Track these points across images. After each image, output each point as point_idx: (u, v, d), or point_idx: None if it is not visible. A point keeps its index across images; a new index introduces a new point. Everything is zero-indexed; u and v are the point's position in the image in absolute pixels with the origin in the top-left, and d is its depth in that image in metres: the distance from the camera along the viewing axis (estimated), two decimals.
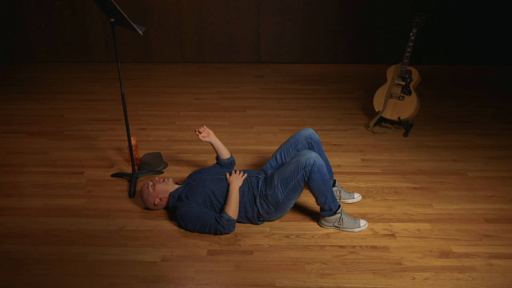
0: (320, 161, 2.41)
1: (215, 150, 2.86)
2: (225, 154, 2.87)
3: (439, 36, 5.79)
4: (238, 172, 2.66)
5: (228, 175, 2.65)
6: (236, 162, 3.32)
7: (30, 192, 2.95)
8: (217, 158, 2.89)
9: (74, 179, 3.12)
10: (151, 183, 2.65)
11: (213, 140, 2.83)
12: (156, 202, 2.64)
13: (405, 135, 3.78)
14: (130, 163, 3.26)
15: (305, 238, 2.49)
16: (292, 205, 2.61)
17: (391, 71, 3.84)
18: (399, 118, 3.81)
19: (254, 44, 5.98)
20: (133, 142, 3.17)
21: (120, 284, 2.16)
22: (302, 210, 2.75)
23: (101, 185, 3.04)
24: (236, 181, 2.58)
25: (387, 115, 3.88)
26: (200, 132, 2.81)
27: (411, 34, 3.61)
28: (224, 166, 2.88)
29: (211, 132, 2.83)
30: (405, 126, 3.84)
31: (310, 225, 2.61)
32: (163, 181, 2.66)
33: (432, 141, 3.68)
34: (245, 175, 2.64)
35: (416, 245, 2.42)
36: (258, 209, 2.53)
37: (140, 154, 3.39)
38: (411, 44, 3.62)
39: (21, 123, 4.08)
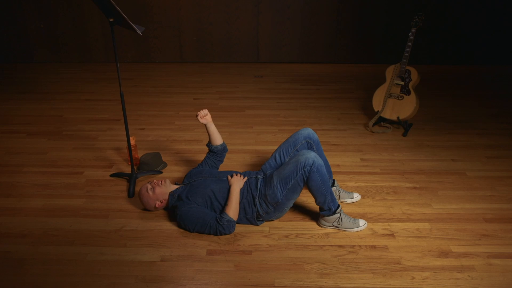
0: (319, 160, 2.42)
1: (209, 134, 2.85)
2: (218, 140, 2.87)
3: (438, 36, 5.79)
4: (239, 175, 2.66)
5: (229, 177, 2.65)
6: (235, 162, 3.33)
7: (29, 192, 2.95)
8: (210, 145, 2.89)
9: (73, 179, 3.12)
10: (150, 186, 2.63)
11: (209, 124, 2.82)
12: (157, 205, 2.64)
13: (404, 135, 3.78)
14: (129, 163, 3.25)
15: (304, 238, 2.49)
16: (291, 205, 2.61)
17: (390, 71, 3.84)
18: (398, 118, 3.81)
19: (253, 44, 5.98)
20: (132, 142, 3.17)
21: (119, 284, 2.16)
22: (301, 210, 2.75)
23: (100, 185, 3.03)
24: (238, 183, 2.58)
25: (386, 115, 3.88)
26: (201, 116, 2.78)
27: (410, 34, 3.61)
28: (217, 153, 2.88)
29: (209, 115, 2.82)
30: (404, 126, 3.85)
31: (309, 225, 2.61)
32: (161, 183, 2.65)
33: (431, 141, 3.68)
34: (245, 178, 2.64)
35: (415, 245, 2.43)
36: (257, 209, 2.53)
37: (139, 154, 3.39)
38: (410, 44, 3.62)
39: (20, 123, 4.08)
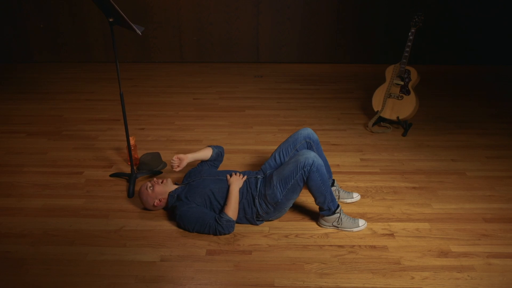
0: (319, 160, 2.42)
1: (197, 160, 2.84)
2: (207, 155, 2.85)
3: (438, 36, 5.79)
4: (238, 174, 2.66)
5: (228, 176, 2.65)
6: (235, 162, 3.33)
7: (29, 192, 2.95)
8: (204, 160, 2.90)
9: (73, 179, 3.12)
10: (149, 184, 2.64)
11: (190, 159, 2.76)
12: (155, 204, 2.64)
13: (404, 134, 3.78)
14: (129, 163, 3.25)
15: (304, 238, 2.49)
16: (291, 205, 2.61)
17: (390, 71, 3.84)
18: (398, 117, 3.81)
19: (253, 44, 5.98)
20: (132, 142, 3.17)
21: (119, 284, 2.16)
22: (301, 209, 2.76)
23: (100, 185, 3.04)
24: (237, 182, 2.58)
25: (386, 114, 3.88)
26: (175, 167, 2.70)
27: (409, 34, 3.61)
28: (213, 160, 2.89)
29: (182, 156, 2.72)
30: (404, 125, 3.85)
31: (309, 225, 2.61)
32: (162, 182, 2.65)
33: (431, 141, 3.68)
34: (245, 177, 2.64)
35: (415, 245, 2.43)
36: (257, 209, 2.53)
37: (139, 154, 3.39)
38: (410, 44, 3.62)
39: (20, 123, 4.08)
